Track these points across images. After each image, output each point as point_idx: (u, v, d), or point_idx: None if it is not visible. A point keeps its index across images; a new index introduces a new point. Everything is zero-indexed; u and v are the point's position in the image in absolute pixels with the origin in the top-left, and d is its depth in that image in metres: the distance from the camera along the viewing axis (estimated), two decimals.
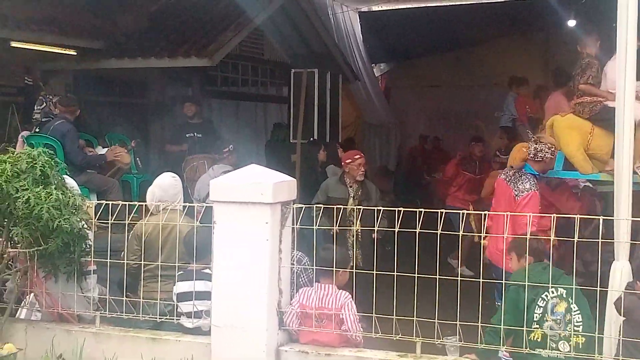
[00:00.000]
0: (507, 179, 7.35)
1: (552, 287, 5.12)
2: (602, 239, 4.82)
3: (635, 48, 6.10)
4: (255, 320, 5.19)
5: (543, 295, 5.17)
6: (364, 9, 15.99)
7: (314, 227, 5.27)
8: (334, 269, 5.27)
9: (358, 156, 8.70)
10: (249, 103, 14.77)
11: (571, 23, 15.02)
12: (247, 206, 5.21)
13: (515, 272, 5.50)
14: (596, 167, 7.72)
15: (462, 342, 4.99)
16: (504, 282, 5.22)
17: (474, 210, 5.81)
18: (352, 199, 8.48)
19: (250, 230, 5.21)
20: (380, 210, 5.34)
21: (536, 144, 7.38)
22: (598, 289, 4.80)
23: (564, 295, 5.17)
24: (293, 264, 5.49)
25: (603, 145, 7.53)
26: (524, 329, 5.03)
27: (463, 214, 5.02)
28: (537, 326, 5.14)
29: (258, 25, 12.07)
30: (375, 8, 15.97)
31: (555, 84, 9.98)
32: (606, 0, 6.31)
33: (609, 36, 6.46)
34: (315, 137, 12.08)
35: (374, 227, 5.67)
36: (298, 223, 5.35)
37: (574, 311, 5.12)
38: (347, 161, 8.63)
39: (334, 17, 14.98)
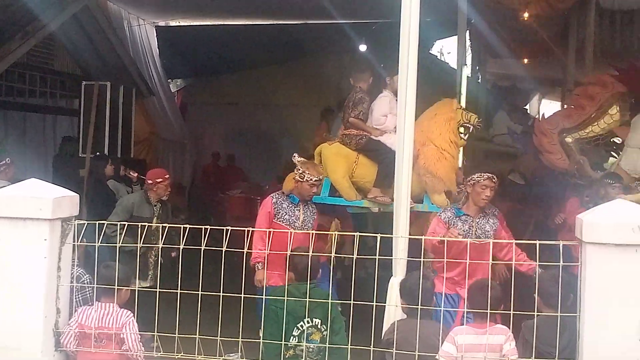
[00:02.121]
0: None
1: (308, 317, 5.35)
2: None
3: (415, 78, 6.41)
4: (31, 341, 4.98)
5: (299, 325, 5.39)
6: (161, 23, 15.82)
7: (97, 244, 5.15)
8: (116, 287, 5.16)
9: (167, 176, 8.56)
10: (36, 115, 14.15)
11: (363, 48, 15.72)
12: (25, 222, 5.01)
13: (276, 290, 5.63)
14: (359, 195, 7.93)
15: (244, 359, 5.04)
16: (288, 299, 5.33)
17: None
18: (156, 218, 8.32)
19: (27, 247, 5.00)
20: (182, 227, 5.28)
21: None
22: (374, 303, 5.00)
23: (319, 326, 5.42)
24: (72, 282, 5.32)
25: (366, 174, 7.91)
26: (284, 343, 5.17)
27: (227, 229, 5.03)
28: (293, 352, 5.37)
29: (48, 34, 11.61)
30: (172, 23, 15.87)
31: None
32: (394, 29, 6.55)
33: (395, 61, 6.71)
34: (107, 151, 11.77)
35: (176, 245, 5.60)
36: (79, 239, 5.20)
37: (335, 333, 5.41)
38: (158, 180, 8.43)
39: (130, 30, 14.71)
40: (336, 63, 18.09)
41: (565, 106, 10.02)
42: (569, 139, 9.20)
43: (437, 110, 8.05)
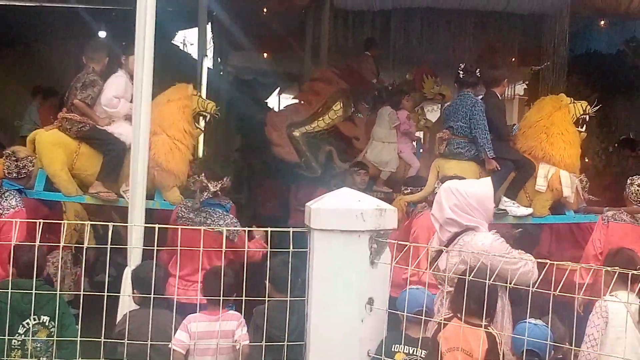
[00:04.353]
0: None
1: (34, 315, 5.22)
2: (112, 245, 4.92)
3: (151, 65, 6.34)
4: None
5: (24, 323, 5.24)
6: None
7: None
8: None
9: None
10: None
11: (102, 34, 15.25)
12: None
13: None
14: (81, 190, 7.34)
15: None
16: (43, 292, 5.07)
17: None
18: None
19: None
20: None
21: (17, 162, 6.90)
22: (105, 294, 4.85)
23: (47, 324, 5.31)
24: None
25: (89, 166, 7.36)
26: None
27: None
28: (21, 353, 5.21)
29: None
30: None
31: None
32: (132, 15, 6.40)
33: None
34: None
35: None
36: None
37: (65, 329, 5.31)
38: None
39: None
40: (72, 48, 17.42)
41: (295, 101, 10.41)
42: (296, 133, 9.55)
43: (170, 96, 7.70)
